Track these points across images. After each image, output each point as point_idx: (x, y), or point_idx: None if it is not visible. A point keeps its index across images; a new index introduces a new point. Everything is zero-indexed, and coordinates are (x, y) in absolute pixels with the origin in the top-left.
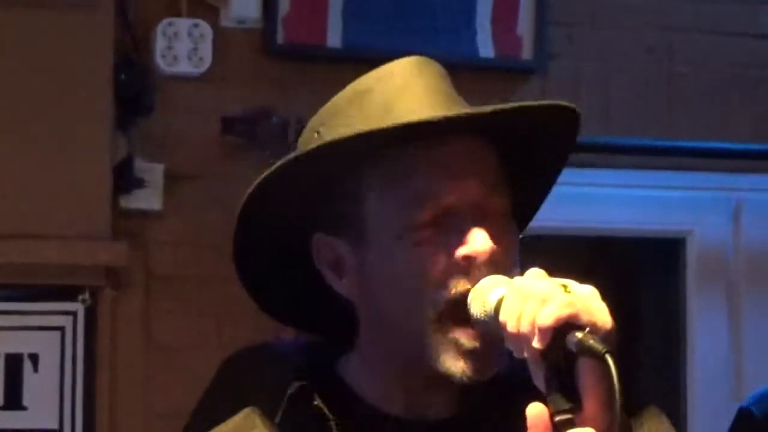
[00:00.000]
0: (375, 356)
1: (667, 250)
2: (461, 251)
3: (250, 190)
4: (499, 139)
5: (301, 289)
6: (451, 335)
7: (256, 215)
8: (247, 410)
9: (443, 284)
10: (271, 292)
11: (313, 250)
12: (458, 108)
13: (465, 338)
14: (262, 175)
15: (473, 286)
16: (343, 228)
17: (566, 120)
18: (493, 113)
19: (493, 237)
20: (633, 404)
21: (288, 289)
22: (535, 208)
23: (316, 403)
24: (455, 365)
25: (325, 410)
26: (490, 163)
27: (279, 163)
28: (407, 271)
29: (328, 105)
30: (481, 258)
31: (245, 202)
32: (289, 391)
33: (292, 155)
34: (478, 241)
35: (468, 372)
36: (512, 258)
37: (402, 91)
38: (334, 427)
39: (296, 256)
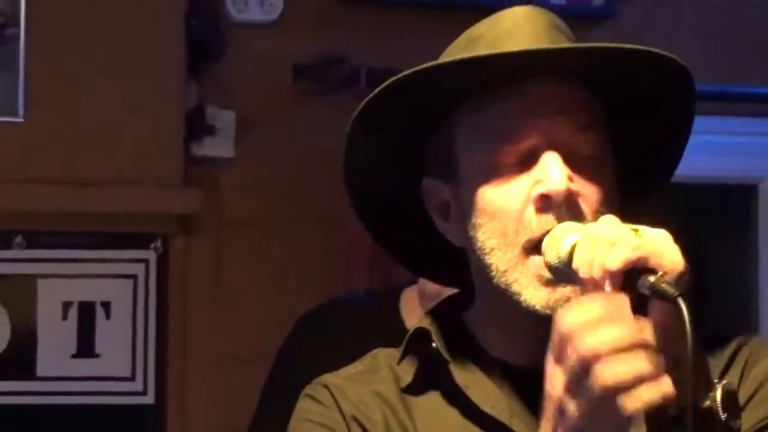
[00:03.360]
0: (486, 303)
1: (739, 197)
2: (537, 190)
3: (354, 115)
4: (603, 84)
5: (423, 238)
6: (532, 269)
7: (365, 154)
8: (372, 353)
9: (524, 223)
10: (395, 239)
11: (424, 196)
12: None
13: (545, 271)
14: (359, 107)
15: (552, 226)
16: (444, 170)
17: (666, 69)
18: (568, 49)
19: (577, 178)
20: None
21: (412, 238)
22: (670, 160)
23: (434, 345)
24: (536, 296)
25: (444, 353)
26: (580, 104)
27: (371, 94)
28: (491, 210)
29: (447, 49)
30: (558, 197)
31: (350, 133)
32: (409, 334)
33: (383, 85)
34: (553, 180)
35: (550, 302)
36: (599, 201)
37: (509, 34)
38: (452, 369)
39: (415, 205)
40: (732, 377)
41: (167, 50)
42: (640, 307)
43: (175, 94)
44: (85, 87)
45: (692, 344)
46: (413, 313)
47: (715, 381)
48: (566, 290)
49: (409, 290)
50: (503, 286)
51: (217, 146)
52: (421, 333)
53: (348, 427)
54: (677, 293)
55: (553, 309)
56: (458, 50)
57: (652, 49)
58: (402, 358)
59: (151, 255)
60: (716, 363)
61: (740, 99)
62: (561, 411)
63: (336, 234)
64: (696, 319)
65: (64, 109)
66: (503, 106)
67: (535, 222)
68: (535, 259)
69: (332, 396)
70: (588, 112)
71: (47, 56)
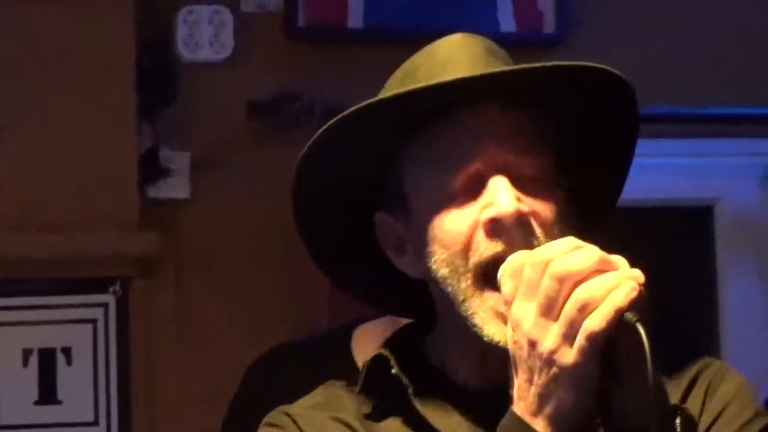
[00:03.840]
0: (448, 330)
1: (696, 218)
2: (486, 214)
3: (300, 159)
4: (548, 107)
5: (378, 272)
6: (489, 303)
7: (313, 194)
8: (326, 384)
9: (475, 249)
10: (350, 275)
11: (377, 233)
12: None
13: (502, 306)
14: (303, 151)
15: (503, 248)
16: (395, 204)
17: (607, 85)
18: (503, 72)
19: (526, 198)
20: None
21: (367, 273)
22: (616, 181)
23: (394, 371)
24: (498, 332)
25: (404, 379)
26: (523, 127)
27: (315, 136)
28: (441, 238)
29: (386, 84)
30: (508, 220)
31: (296, 176)
32: (367, 360)
33: (326, 126)
34: (502, 203)
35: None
36: (552, 219)
37: (444, 64)
38: (412, 395)
39: (368, 240)
40: (694, 400)
41: (119, 93)
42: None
43: (128, 137)
44: (38, 132)
45: (652, 369)
46: (365, 351)
47: (675, 405)
48: None
49: (363, 327)
50: (463, 315)
51: (173, 188)
52: (379, 360)
53: None
54: (636, 319)
55: None
56: (396, 84)
57: (582, 63)
58: (362, 386)
59: (110, 299)
60: (678, 385)
61: (694, 120)
62: (532, 344)
63: (296, 271)
64: (656, 343)
65: (17, 155)
66: (445, 135)
67: (483, 246)
68: (492, 296)
69: (294, 422)
70: (530, 133)
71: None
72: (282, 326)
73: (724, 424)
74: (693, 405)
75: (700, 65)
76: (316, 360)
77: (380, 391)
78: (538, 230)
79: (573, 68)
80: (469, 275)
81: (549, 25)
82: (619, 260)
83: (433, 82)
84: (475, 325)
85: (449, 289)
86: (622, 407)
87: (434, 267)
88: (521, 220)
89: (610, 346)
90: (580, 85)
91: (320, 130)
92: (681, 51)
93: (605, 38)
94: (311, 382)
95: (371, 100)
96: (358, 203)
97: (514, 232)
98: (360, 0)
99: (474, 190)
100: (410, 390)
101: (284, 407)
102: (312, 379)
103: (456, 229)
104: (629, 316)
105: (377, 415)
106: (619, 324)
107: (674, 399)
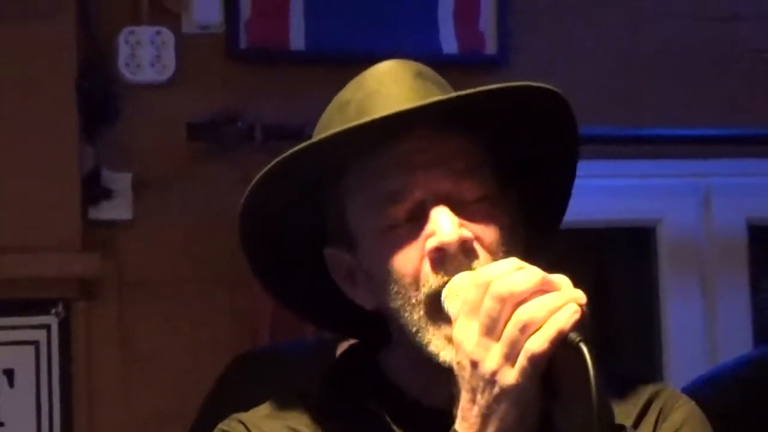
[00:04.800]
0: (404, 352)
1: (639, 238)
2: (429, 244)
3: (241, 203)
4: (484, 128)
5: (328, 295)
6: (443, 329)
7: (260, 230)
8: (282, 393)
9: (423, 280)
10: (298, 298)
11: (329, 266)
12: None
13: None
14: (248, 190)
15: (450, 277)
16: (342, 239)
17: (543, 103)
18: (430, 104)
19: (468, 224)
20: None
21: (317, 297)
22: (560, 197)
23: (351, 377)
24: (447, 354)
25: (360, 390)
26: (459, 151)
27: (252, 184)
28: (390, 271)
29: (320, 119)
30: (451, 248)
31: (241, 219)
32: (325, 372)
33: (261, 173)
34: (444, 231)
35: None
36: (496, 241)
37: (375, 95)
38: (370, 405)
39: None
40: (646, 425)
41: (60, 115)
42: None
43: (70, 159)
44: None
45: (596, 389)
46: None
47: (619, 425)
48: None
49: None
50: (418, 345)
51: (115, 209)
52: (338, 370)
53: None
54: (579, 339)
55: None
56: (330, 117)
57: (510, 84)
58: (320, 395)
59: (52, 320)
60: (630, 410)
61: (636, 141)
62: (474, 364)
63: (238, 292)
64: (599, 362)
65: None
66: (381, 168)
67: (431, 278)
68: (447, 326)
69: (247, 429)
70: (466, 156)
71: None
72: (224, 348)
73: None
74: (645, 427)
75: (642, 86)
76: (301, 366)
77: (338, 401)
78: (482, 254)
79: (503, 90)
80: (421, 306)
81: (491, 47)
82: (561, 280)
83: (359, 121)
84: (430, 353)
85: (402, 321)
86: (566, 427)
87: (386, 299)
88: (465, 247)
89: (554, 366)
90: (517, 104)
91: (257, 177)
92: (622, 72)
93: (547, 59)
94: (292, 387)
95: (298, 147)
96: (305, 236)
97: (459, 259)
98: (301, 22)
99: (416, 220)
100: (367, 400)
101: (238, 415)
102: (293, 383)
103: (403, 262)
104: (572, 336)
105: (334, 424)
106: (562, 344)
107: (627, 423)
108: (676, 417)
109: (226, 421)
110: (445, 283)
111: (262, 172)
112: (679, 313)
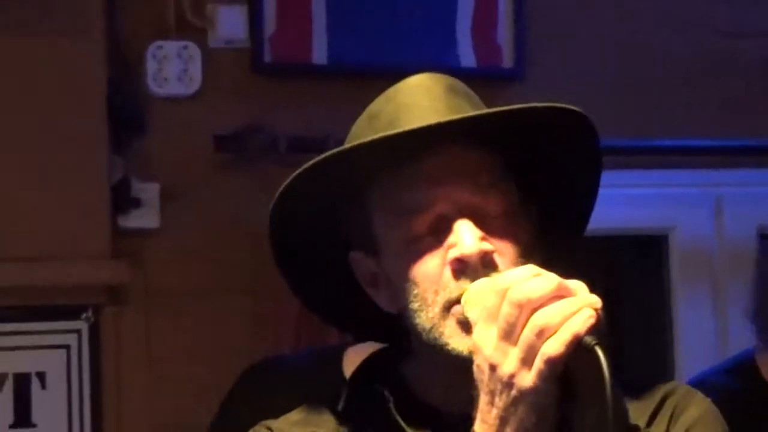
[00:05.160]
0: (423, 358)
1: (651, 247)
2: (452, 254)
3: (271, 206)
4: (507, 142)
5: (356, 301)
6: (454, 318)
7: (288, 233)
8: (309, 401)
9: (444, 287)
10: (327, 304)
11: (354, 269)
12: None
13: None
14: (279, 192)
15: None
16: (366, 245)
17: (568, 121)
18: (460, 119)
19: (489, 237)
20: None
21: (344, 302)
22: (582, 209)
23: (375, 385)
24: (461, 343)
25: (385, 392)
26: (484, 166)
27: (283, 186)
28: (412, 278)
29: (351, 129)
30: (473, 259)
31: (270, 221)
32: (350, 376)
33: (293, 176)
34: (466, 244)
35: (473, 347)
36: (516, 254)
37: (407, 108)
38: (393, 408)
39: (343, 272)
40: (661, 422)
41: (91, 127)
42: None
43: (100, 170)
44: (12, 166)
45: (610, 391)
46: None
47: (634, 425)
48: None
49: (354, 349)
50: (432, 342)
51: (143, 218)
52: (362, 376)
53: None
54: (594, 342)
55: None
56: (361, 128)
57: (539, 104)
58: (345, 400)
59: (82, 325)
60: (644, 410)
61: (649, 152)
62: (492, 368)
63: (262, 300)
64: (613, 366)
65: None
66: (408, 180)
67: (452, 285)
68: (456, 309)
69: None
70: (490, 171)
71: None
72: (248, 354)
73: None
74: (659, 427)
75: (653, 98)
76: (309, 376)
77: (362, 406)
78: (502, 267)
79: (530, 110)
80: (437, 307)
81: (507, 60)
82: (577, 286)
83: (390, 131)
84: (443, 345)
85: (418, 320)
86: (582, 428)
87: (406, 303)
88: (485, 259)
89: (570, 369)
90: (542, 121)
91: (287, 181)
92: (634, 84)
93: (562, 72)
94: (302, 397)
95: (326, 154)
96: (331, 241)
97: (479, 271)
98: (324, 37)
99: (440, 232)
100: (391, 403)
101: (267, 422)
102: (305, 394)
103: (425, 270)
104: (588, 340)
105: (357, 428)
106: (577, 348)
107: (641, 421)
108: (691, 414)
109: (256, 428)
110: (464, 291)
111: (292, 176)
112: (691, 320)
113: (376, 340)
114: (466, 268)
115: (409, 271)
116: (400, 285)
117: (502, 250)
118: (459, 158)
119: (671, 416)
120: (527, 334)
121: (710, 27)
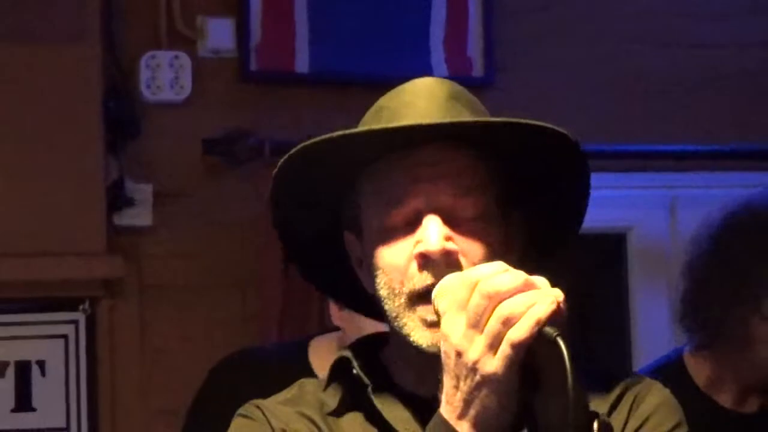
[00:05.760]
0: (395, 343)
1: (611, 245)
2: (417, 249)
3: (274, 178)
4: (490, 149)
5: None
6: (417, 312)
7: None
8: (299, 382)
9: (408, 277)
10: (331, 281)
11: (347, 247)
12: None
13: (429, 313)
14: (276, 172)
15: (433, 281)
16: (354, 228)
17: (549, 140)
18: (446, 124)
19: (459, 238)
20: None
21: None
22: (570, 215)
23: (355, 372)
24: (422, 336)
25: (363, 378)
26: (467, 170)
27: (284, 159)
28: (383, 266)
29: (363, 118)
30: (434, 256)
31: (273, 188)
32: (333, 362)
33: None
34: (430, 241)
35: (433, 341)
36: (482, 257)
37: (406, 106)
38: (371, 393)
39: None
40: (622, 410)
41: (88, 131)
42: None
43: (96, 171)
44: (13, 167)
45: (572, 380)
46: (323, 360)
47: (593, 412)
48: None
49: (317, 339)
50: (397, 329)
51: (137, 216)
52: (343, 361)
53: None
54: (556, 334)
55: (438, 347)
56: (367, 117)
57: (523, 120)
58: (327, 383)
59: (80, 316)
60: (606, 399)
61: (609, 156)
62: (458, 354)
63: (248, 294)
64: (575, 357)
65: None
66: (393, 174)
67: (416, 277)
68: (422, 308)
69: (263, 414)
70: (472, 175)
71: None
72: (234, 345)
73: (648, 430)
74: (620, 414)
75: (616, 106)
76: (276, 368)
77: (343, 389)
78: (466, 265)
79: (514, 124)
80: (403, 297)
81: (478, 70)
82: (540, 281)
83: (377, 126)
84: (406, 335)
85: (386, 307)
86: (545, 416)
87: (377, 288)
88: (449, 258)
89: (534, 360)
90: (526, 135)
91: (287, 155)
92: (596, 92)
93: (529, 81)
94: (271, 386)
95: (328, 135)
96: (329, 217)
97: (441, 267)
98: (306, 47)
99: (412, 225)
100: (369, 387)
101: (256, 401)
102: (272, 382)
103: (394, 259)
104: (550, 331)
105: (340, 410)
106: (541, 338)
107: (602, 410)
108: (650, 402)
109: (246, 406)
110: (428, 285)
111: (289, 153)
112: (648, 312)
113: (372, 316)
114: (429, 264)
115: (380, 259)
116: (373, 271)
117: (468, 251)
118: (444, 160)
119: (632, 405)
120: (493, 323)
121: (673, 40)
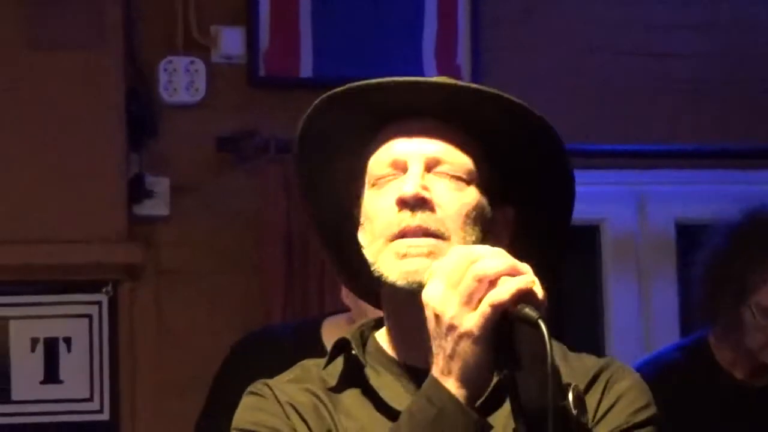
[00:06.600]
0: (386, 312)
1: (585, 236)
2: (395, 193)
3: (299, 133)
4: (480, 128)
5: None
6: (392, 248)
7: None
8: (300, 363)
9: (389, 220)
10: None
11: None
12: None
13: (400, 246)
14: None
15: (408, 223)
16: (362, 192)
17: (534, 127)
18: (444, 83)
19: (438, 190)
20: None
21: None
22: (558, 212)
23: (354, 352)
24: (393, 271)
25: (361, 359)
26: (452, 135)
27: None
28: (370, 213)
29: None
30: (409, 200)
31: (301, 180)
32: (333, 343)
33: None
34: (407, 186)
35: (402, 272)
36: (456, 212)
37: (416, 80)
38: (367, 372)
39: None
40: (596, 391)
41: (110, 129)
42: (506, 328)
43: (118, 166)
44: (42, 163)
45: (551, 359)
46: (335, 338)
47: (567, 383)
48: (419, 260)
49: (329, 320)
50: (377, 275)
51: (155, 207)
52: (343, 343)
53: (284, 409)
54: (538, 317)
55: (408, 280)
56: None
57: (504, 94)
58: (327, 363)
59: (103, 298)
60: (582, 379)
61: (583, 155)
62: (452, 327)
63: (256, 279)
64: (553, 339)
65: (30, 184)
66: (393, 133)
67: (394, 218)
68: (396, 242)
69: (271, 390)
70: (463, 145)
71: (6, 131)
72: (242, 326)
73: (620, 410)
74: (595, 393)
75: (591, 108)
76: (293, 347)
77: (343, 368)
78: (440, 214)
79: (494, 96)
80: (382, 238)
81: (466, 77)
82: (526, 267)
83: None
84: (383, 276)
85: (368, 254)
86: (526, 390)
87: (362, 236)
88: (423, 204)
89: (517, 341)
90: (514, 118)
91: (314, 103)
92: (573, 95)
93: (515, 86)
94: (287, 361)
95: (350, 85)
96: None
97: (417, 211)
98: (310, 55)
99: (399, 176)
100: (366, 368)
101: (265, 380)
102: (288, 358)
103: (380, 205)
104: (531, 313)
105: (340, 387)
106: (523, 320)
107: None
108: (622, 385)
109: (255, 384)
110: (406, 226)
111: (320, 98)
112: (619, 300)
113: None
114: (405, 206)
115: (370, 206)
116: (363, 219)
117: (443, 205)
118: (438, 126)
119: (605, 385)
120: (466, 281)
121: (639, 49)
